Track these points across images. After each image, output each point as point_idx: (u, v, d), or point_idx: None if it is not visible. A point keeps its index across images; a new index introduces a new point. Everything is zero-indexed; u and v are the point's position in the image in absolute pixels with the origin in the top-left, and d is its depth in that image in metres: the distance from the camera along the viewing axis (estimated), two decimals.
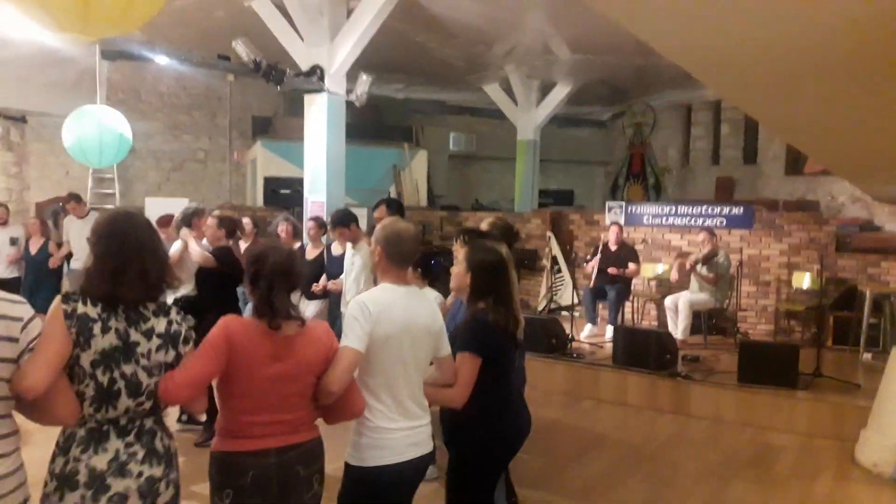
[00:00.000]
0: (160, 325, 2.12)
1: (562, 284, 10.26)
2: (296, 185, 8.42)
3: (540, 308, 9.99)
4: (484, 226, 3.98)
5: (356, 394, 2.42)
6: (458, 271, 2.94)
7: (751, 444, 5.65)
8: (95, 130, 7.03)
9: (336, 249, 6.30)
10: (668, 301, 8.06)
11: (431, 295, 3.85)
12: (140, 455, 2.06)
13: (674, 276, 8.35)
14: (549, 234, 10.50)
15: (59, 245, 8.50)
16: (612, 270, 8.19)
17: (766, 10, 1.52)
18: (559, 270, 10.30)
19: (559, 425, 6.14)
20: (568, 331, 7.72)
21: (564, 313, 9.01)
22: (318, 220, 6.77)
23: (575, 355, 7.56)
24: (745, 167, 13.66)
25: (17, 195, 11.68)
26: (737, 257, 8.37)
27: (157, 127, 12.74)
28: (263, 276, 2.31)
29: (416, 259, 3.15)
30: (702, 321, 8.02)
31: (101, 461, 2.00)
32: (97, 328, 2.00)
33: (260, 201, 11.39)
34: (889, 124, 2.41)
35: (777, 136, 11.84)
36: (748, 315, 8.70)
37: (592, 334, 8.46)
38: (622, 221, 9.40)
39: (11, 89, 10.68)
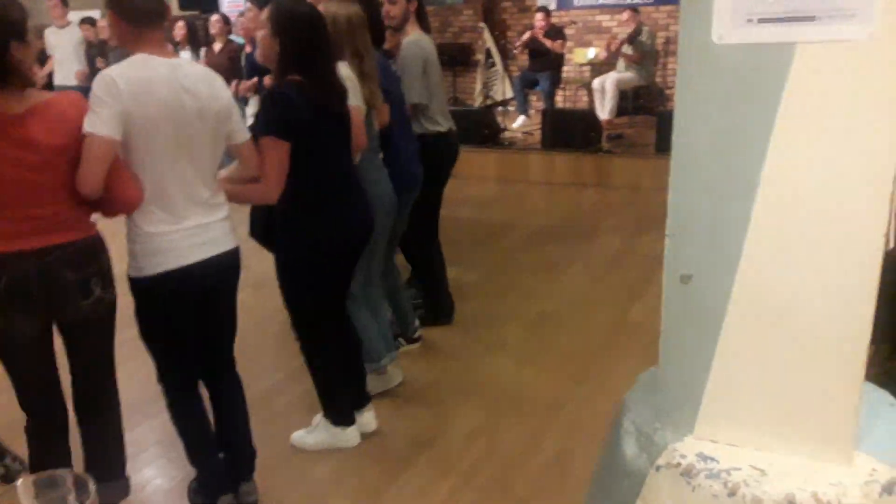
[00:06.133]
0: None
1: (496, 79, 10.30)
2: None
3: (476, 105, 10.10)
4: None
5: (125, 182, 1.99)
6: (263, 35, 2.37)
7: (663, 205, 6.07)
8: None
9: None
10: (596, 83, 8.25)
11: None
12: None
13: (602, 54, 8.50)
14: (481, 25, 10.34)
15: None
16: (548, 43, 8.22)
17: None
18: (493, 64, 10.27)
19: (490, 204, 6.57)
20: (500, 122, 7.96)
21: (500, 108, 9.18)
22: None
23: (506, 144, 7.87)
24: None
25: None
26: (664, 34, 8.50)
27: None
28: None
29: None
30: (628, 101, 8.30)
31: None
32: None
33: (177, 9, 10.79)
34: None
35: None
36: (674, 92, 8.97)
37: (525, 125, 8.71)
38: (554, 6, 9.32)
39: None
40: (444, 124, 3.66)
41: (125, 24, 2.04)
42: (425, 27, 3.67)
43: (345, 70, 2.67)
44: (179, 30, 7.19)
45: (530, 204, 6.55)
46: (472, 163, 7.25)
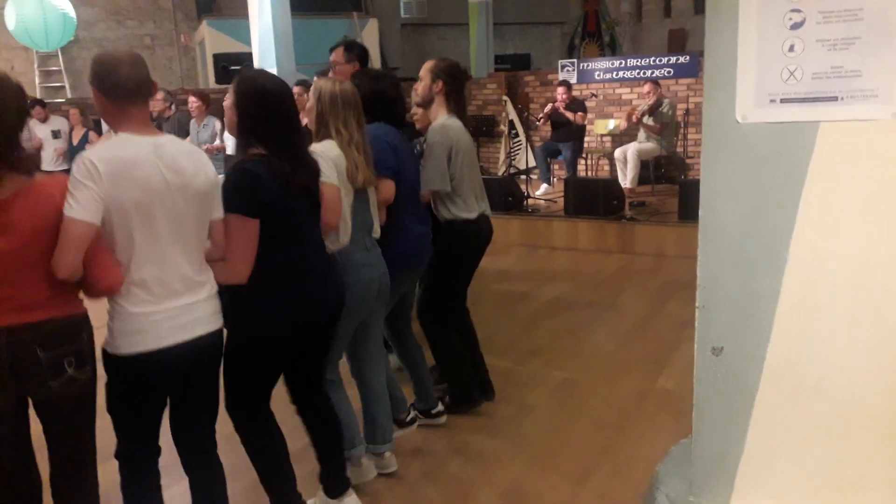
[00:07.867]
0: None
1: (519, 149, 10.52)
2: (246, 59, 8.41)
3: (500, 173, 10.28)
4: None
5: (105, 266, 1.96)
6: (227, 104, 2.34)
7: (688, 272, 6.09)
8: (38, 11, 6.92)
9: None
10: (618, 152, 8.37)
11: None
12: None
13: (622, 125, 8.66)
14: (504, 98, 10.63)
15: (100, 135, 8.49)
16: (569, 115, 8.37)
17: None
18: (516, 135, 10.52)
19: (515, 270, 6.61)
20: (523, 189, 8.09)
21: (523, 177, 9.34)
22: (304, 84, 5.64)
23: (530, 210, 7.97)
24: (697, 17, 13.69)
25: None
26: (683, 106, 8.65)
27: (98, 14, 12.33)
28: None
29: None
30: (650, 170, 8.40)
31: None
32: None
33: (213, 82, 11.27)
34: None
35: None
36: (695, 162, 9.08)
37: (548, 192, 8.82)
38: (574, 79, 9.59)
39: None
40: (473, 210, 3.41)
41: (108, 101, 2.01)
42: (457, 109, 3.41)
43: (331, 146, 2.61)
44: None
45: (554, 270, 6.58)
46: (497, 229, 7.26)
